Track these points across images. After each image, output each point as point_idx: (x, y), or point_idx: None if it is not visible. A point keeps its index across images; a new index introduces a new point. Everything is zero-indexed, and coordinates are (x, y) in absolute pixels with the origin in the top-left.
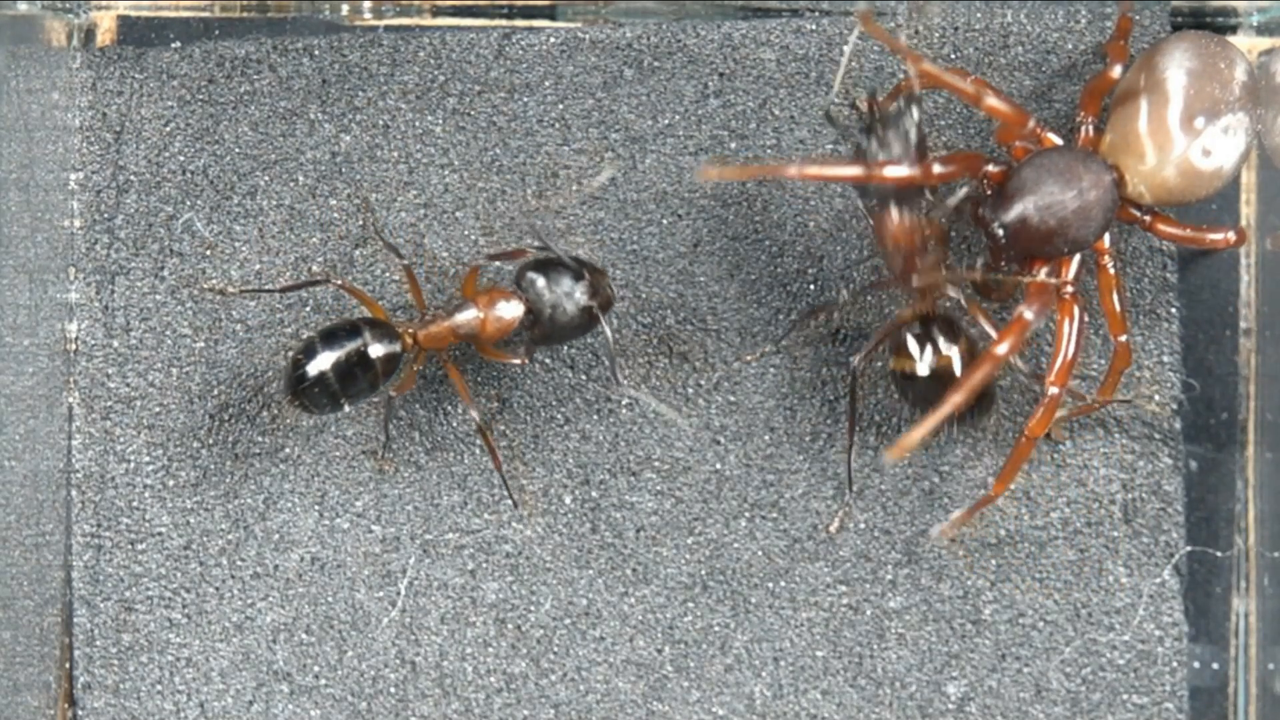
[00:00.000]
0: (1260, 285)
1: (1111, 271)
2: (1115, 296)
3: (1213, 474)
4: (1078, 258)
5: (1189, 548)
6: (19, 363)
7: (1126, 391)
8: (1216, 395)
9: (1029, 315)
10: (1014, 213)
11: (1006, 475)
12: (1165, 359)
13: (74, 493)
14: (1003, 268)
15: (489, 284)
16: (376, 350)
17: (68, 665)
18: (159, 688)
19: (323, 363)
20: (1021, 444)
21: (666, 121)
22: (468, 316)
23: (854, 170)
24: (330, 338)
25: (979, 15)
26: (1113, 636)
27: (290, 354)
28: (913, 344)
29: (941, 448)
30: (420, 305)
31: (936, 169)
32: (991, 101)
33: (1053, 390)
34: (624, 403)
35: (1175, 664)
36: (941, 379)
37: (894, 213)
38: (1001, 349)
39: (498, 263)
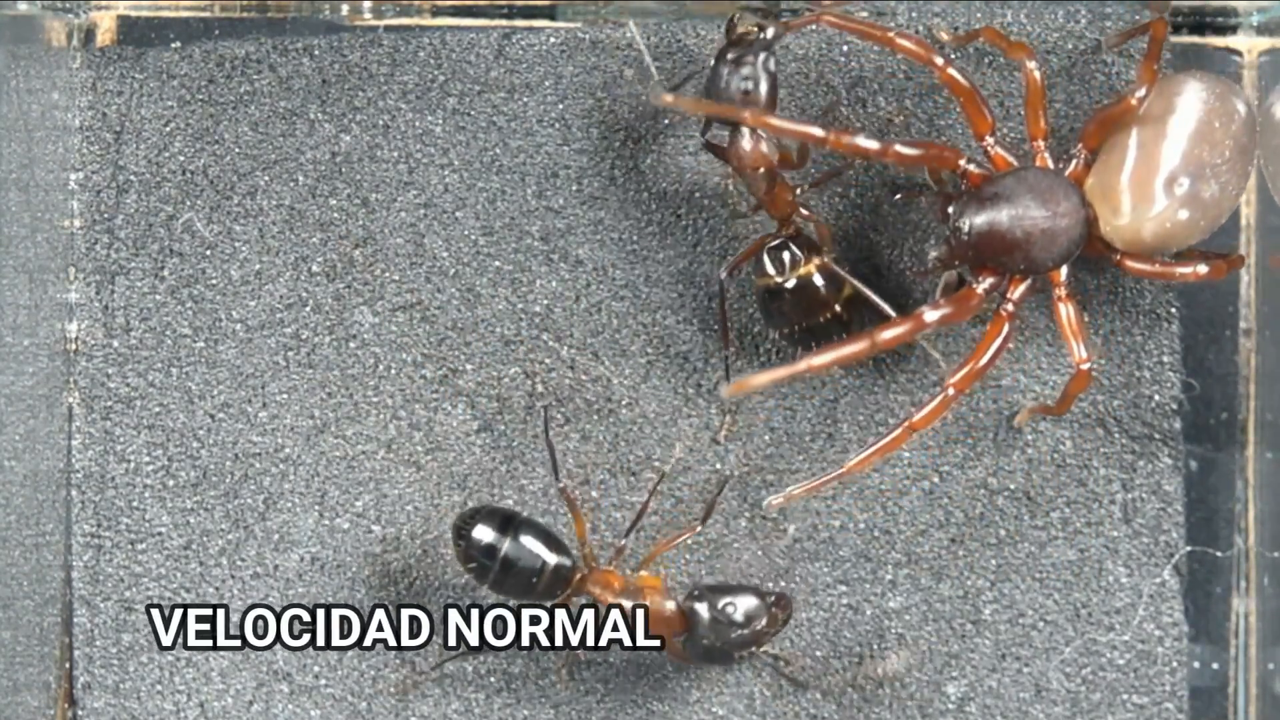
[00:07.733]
0: (1260, 285)
1: (1063, 305)
2: (1070, 326)
3: (1213, 474)
4: (1027, 282)
5: (1189, 548)
6: (19, 363)
7: (1127, 392)
8: (1216, 395)
9: (930, 316)
10: (985, 216)
11: (870, 457)
12: (1165, 359)
13: (74, 493)
14: (954, 265)
15: (662, 575)
16: (549, 562)
17: (68, 665)
18: (159, 688)
19: (485, 536)
20: (899, 434)
21: (666, 121)
22: (625, 603)
23: (817, 131)
24: (508, 523)
25: (979, 15)
26: (1113, 636)
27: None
28: (770, 260)
29: (942, 448)
30: (580, 535)
31: (900, 149)
32: (902, 43)
33: (950, 391)
34: (624, 403)
35: (1175, 664)
36: (802, 295)
37: (746, 139)
38: (885, 335)
39: None
